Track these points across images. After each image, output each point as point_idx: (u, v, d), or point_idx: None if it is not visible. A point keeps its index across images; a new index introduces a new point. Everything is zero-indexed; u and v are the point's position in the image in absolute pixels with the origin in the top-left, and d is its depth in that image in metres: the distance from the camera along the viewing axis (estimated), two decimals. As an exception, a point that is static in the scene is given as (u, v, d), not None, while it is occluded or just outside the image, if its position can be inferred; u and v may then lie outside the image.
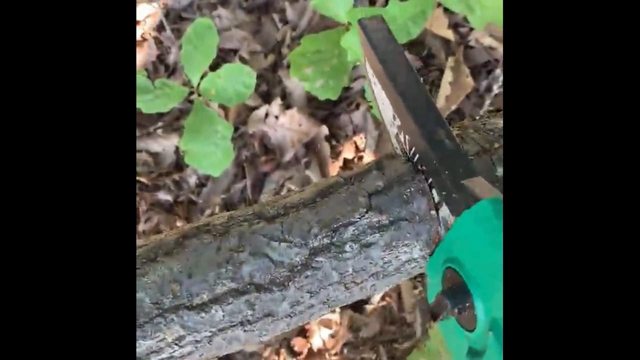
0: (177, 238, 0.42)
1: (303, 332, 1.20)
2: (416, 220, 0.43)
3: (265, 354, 1.18)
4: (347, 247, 0.42)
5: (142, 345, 0.39)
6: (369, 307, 1.19)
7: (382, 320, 1.17)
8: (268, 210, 0.44)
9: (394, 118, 0.46)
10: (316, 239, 0.42)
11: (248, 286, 0.41)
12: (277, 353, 1.19)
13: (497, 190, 0.38)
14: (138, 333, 0.39)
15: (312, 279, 0.42)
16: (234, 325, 0.41)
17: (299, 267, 0.42)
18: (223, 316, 0.41)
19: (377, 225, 0.43)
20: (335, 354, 1.16)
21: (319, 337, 1.19)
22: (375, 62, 0.44)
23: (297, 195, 0.45)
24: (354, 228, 0.42)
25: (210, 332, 0.41)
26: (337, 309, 1.20)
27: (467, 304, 0.37)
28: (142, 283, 0.40)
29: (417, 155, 0.43)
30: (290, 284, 0.41)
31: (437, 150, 0.41)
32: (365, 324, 1.17)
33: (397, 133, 0.47)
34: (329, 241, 0.42)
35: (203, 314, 0.40)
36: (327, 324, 1.19)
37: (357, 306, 1.20)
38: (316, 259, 0.42)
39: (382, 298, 1.19)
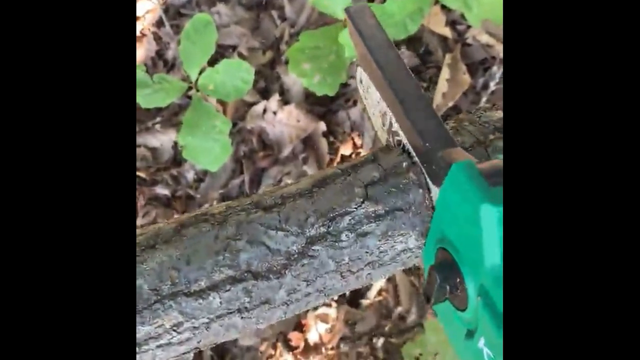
0: (175, 226, 0.43)
1: (299, 327, 1.21)
2: (412, 210, 0.43)
3: (262, 348, 1.19)
4: (343, 236, 0.43)
5: (140, 331, 0.40)
6: (365, 302, 1.20)
7: (378, 314, 1.18)
8: (266, 200, 0.44)
9: (384, 119, 0.47)
10: (313, 228, 0.42)
11: (245, 274, 0.41)
12: (274, 347, 1.19)
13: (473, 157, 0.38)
14: (137, 319, 0.40)
15: (308, 267, 0.42)
16: (231, 312, 0.42)
17: (296, 256, 0.42)
18: (220, 303, 0.41)
19: (373, 215, 0.43)
20: (332, 348, 1.17)
21: (316, 332, 1.19)
22: (363, 49, 0.45)
23: (294, 185, 0.45)
24: (350, 217, 0.43)
25: (207, 318, 0.41)
26: (334, 304, 1.20)
27: (458, 280, 0.37)
28: (141, 270, 0.41)
29: (409, 145, 0.44)
30: (287, 272, 0.42)
31: (427, 138, 0.41)
32: (362, 319, 1.18)
33: (387, 138, 0.47)
34: (325, 230, 0.43)
35: (201, 301, 0.41)
36: (323, 319, 1.20)
37: (354, 301, 1.21)
38: (313, 248, 0.42)
39: (379, 293, 1.20)
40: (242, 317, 0.42)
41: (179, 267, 0.41)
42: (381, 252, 0.44)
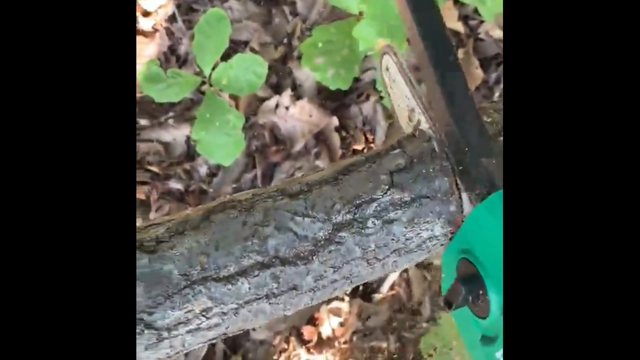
0: (203, 213, 0.43)
1: (312, 320, 1.21)
2: (437, 198, 0.44)
3: (275, 341, 1.19)
4: (369, 223, 0.43)
5: (170, 316, 0.40)
6: (378, 296, 1.20)
7: (391, 309, 1.18)
8: (291, 187, 0.44)
9: (412, 115, 0.47)
10: (339, 215, 0.43)
11: (273, 259, 0.42)
12: (287, 341, 1.20)
13: None
14: (167, 304, 0.40)
15: (335, 253, 0.43)
16: (259, 298, 0.42)
17: (323, 242, 0.42)
18: (249, 288, 0.41)
19: (399, 202, 0.43)
20: (345, 342, 1.17)
21: (329, 326, 1.20)
22: (416, 37, 0.43)
23: (319, 173, 0.46)
24: (376, 204, 0.43)
25: (236, 304, 0.42)
26: (346, 298, 1.21)
27: (481, 292, 0.38)
28: (171, 255, 0.41)
29: (442, 135, 0.44)
30: (314, 258, 0.42)
31: (469, 142, 0.41)
32: (375, 313, 1.18)
33: (411, 132, 0.47)
34: (351, 217, 0.43)
35: (230, 286, 0.41)
36: (336, 313, 1.20)
37: (367, 295, 1.21)
38: (339, 234, 0.43)
39: (392, 287, 1.20)
40: (270, 303, 0.42)
41: (208, 253, 0.41)
42: (407, 239, 0.44)
